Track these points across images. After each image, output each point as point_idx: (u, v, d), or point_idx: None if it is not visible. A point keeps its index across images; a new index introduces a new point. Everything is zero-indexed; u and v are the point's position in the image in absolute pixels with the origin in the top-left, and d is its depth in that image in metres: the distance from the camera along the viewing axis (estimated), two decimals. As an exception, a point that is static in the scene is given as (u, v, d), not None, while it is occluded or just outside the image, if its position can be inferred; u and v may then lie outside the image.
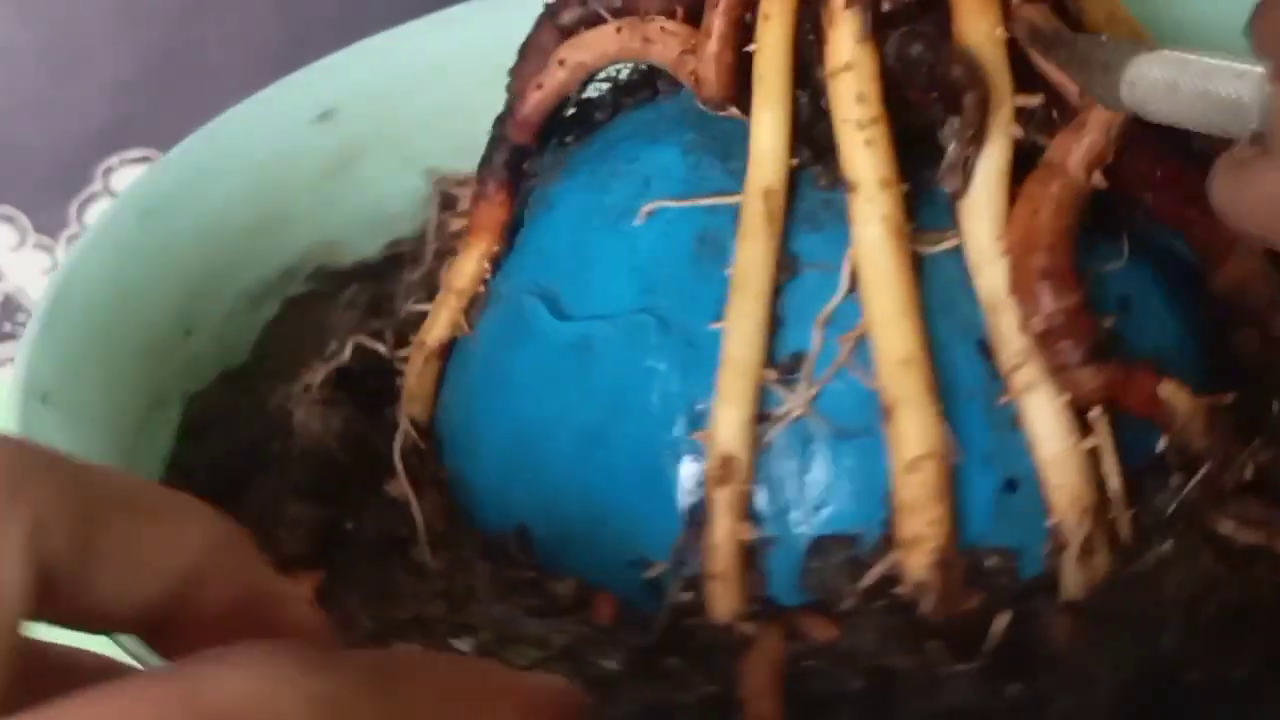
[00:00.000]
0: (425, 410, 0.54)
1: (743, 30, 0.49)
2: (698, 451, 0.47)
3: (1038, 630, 0.46)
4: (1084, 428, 0.46)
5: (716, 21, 0.49)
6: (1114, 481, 0.46)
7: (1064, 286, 0.46)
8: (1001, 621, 0.45)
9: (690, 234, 0.49)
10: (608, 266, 0.50)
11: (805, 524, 0.47)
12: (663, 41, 0.50)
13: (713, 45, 0.49)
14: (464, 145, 0.67)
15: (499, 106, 0.66)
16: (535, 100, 0.52)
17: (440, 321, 0.53)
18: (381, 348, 0.55)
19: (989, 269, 0.47)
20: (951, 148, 0.46)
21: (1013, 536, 0.47)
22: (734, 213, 0.48)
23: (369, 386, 0.57)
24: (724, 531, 0.46)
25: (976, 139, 0.46)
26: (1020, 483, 0.47)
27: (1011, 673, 0.45)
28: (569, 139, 0.55)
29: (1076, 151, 0.47)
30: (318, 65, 0.67)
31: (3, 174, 0.82)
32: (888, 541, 0.46)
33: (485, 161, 0.53)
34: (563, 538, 0.49)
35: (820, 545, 0.47)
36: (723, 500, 0.46)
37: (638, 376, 0.48)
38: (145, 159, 0.79)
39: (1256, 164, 0.39)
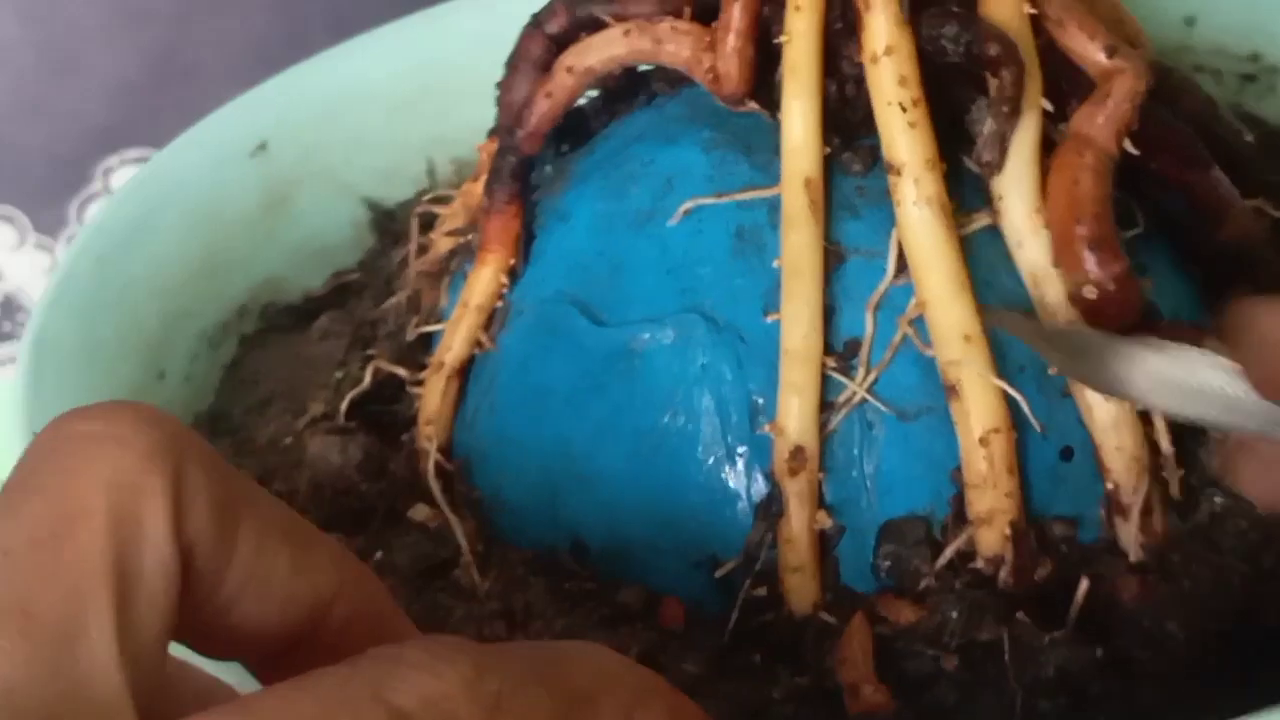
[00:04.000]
0: (444, 432, 0.53)
1: (761, 24, 0.49)
2: (762, 445, 0.47)
3: (1108, 593, 0.47)
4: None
5: (736, 16, 0.49)
6: (1165, 442, 0.47)
7: (1111, 254, 0.46)
8: (1083, 587, 0.46)
9: (727, 230, 0.49)
10: (641, 270, 0.49)
11: (874, 508, 0.47)
12: (674, 41, 0.50)
13: (733, 40, 0.49)
14: (395, 171, 0.67)
15: (427, 129, 0.66)
16: (544, 109, 0.51)
17: (459, 339, 0.52)
18: (403, 372, 0.54)
19: (1030, 242, 0.47)
20: (988, 124, 0.47)
21: (1069, 504, 0.47)
22: (769, 205, 0.48)
23: (372, 414, 0.55)
24: (800, 523, 0.46)
25: (1013, 114, 0.47)
26: (1075, 450, 0.47)
27: (1094, 637, 0.45)
28: (564, 148, 0.55)
29: (1105, 121, 0.47)
30: (247, 97, 0.66)
31: (3, 174, 0.83)
32: (957, 519, 0.47)
33: (494, 174, 0.52)
34: (622, 546, 0.49)
35: (892, 528, 0.47)
36: (796, 491, 0.46)
37: (691, 376, 0.48)
38: (144, 159, 0.78)
39: None
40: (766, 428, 0.46)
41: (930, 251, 0.46)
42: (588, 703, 0.31)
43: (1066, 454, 0.47)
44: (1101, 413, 0.47)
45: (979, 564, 0.46)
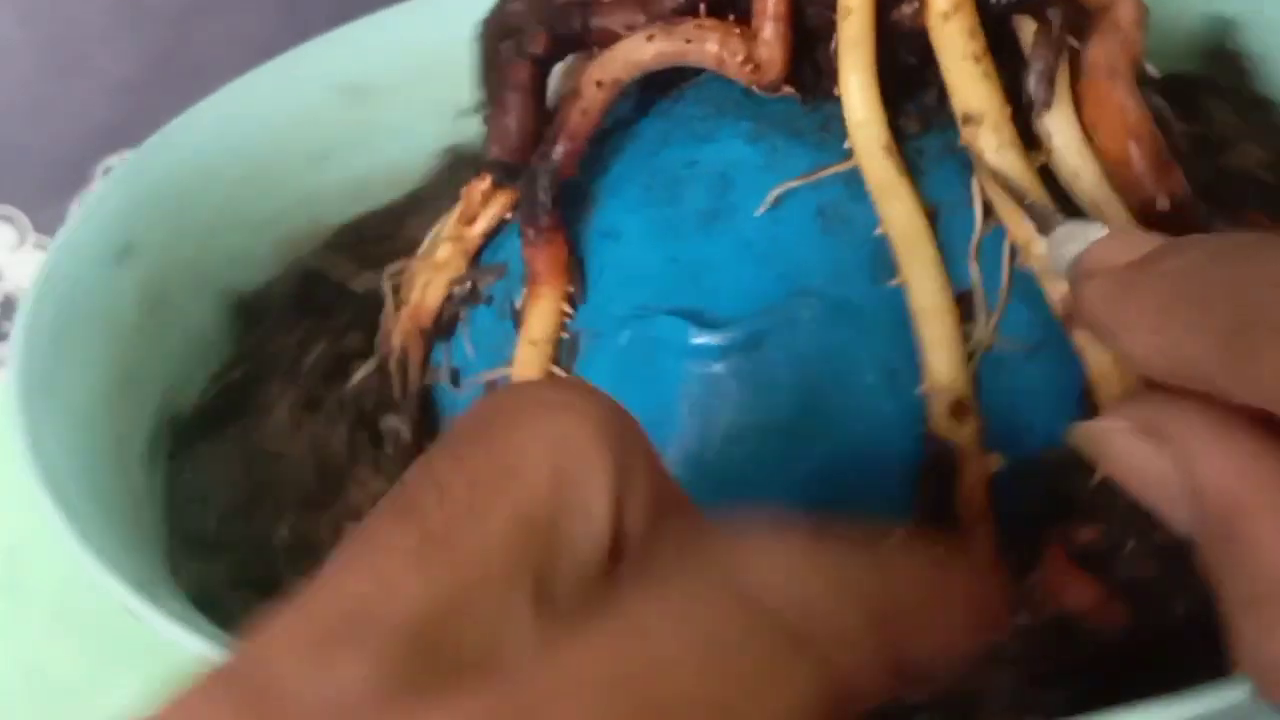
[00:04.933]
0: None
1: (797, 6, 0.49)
2: (906, 409, 0.47)
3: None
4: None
5: (772, 1, 0.49)
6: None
7: (1168, 166, 0.50)
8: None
9: (807, 211, 0.49)
10: (727, 267, 0.49)
11: (1019, 445, 0.48)
12: (702, 39, 0.50)
13: (773, 26, 0.49)
14: (246, 254, 0.64)
15: (271, 207, 0.63)
16: (580, 126, 0.50)
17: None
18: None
19: (1086, 172, 0.49)
20: (1038, 63, 0.49)
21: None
22: (841, 180, 0.49)
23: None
24: (975, 471, 0.47)
25: (1061, 51, 0.49)
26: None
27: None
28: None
29: (1122, 48, 0.50)
30: (102, 193, 0.61)
31: (3, 174, 0.83)
32: (1092, 439, 0.48)
33: (531, 205, 0.50)
34: (781, 542, 0.48)
35: (1043, 460, 0.48)
36: (964, 443, 0.47)
37: (819, 356, 0.48)
38: (144, 159, 0.73)
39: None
40: (923, 388, 0.47)
41: (1024, 192, 0.48)
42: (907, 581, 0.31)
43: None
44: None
45: (1125, 476, 0.48)
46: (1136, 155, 0.49)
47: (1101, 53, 0.51)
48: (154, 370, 0.59)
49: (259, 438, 0.56)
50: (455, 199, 0.66)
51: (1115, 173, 0.49)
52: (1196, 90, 0.65)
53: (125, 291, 0.59)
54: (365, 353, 0.61)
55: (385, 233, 0.68)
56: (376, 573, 0.27)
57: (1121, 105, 0.50)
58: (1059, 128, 0.50)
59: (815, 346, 0.48)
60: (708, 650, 0.26)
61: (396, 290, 0.57)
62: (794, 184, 0.49)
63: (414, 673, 0.26)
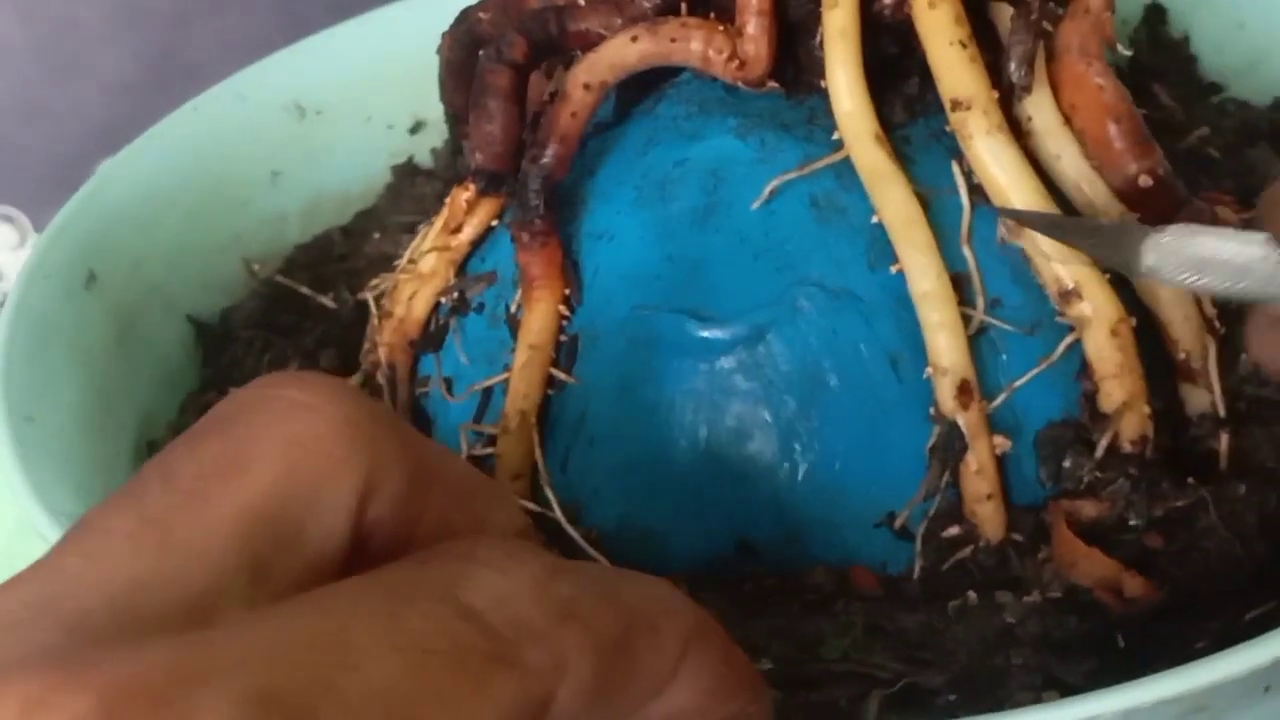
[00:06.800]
0: (528, 482, 0.50)
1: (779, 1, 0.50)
2: (912, 392, 0.48)
3: (1210, 446, 0.51)
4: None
5: (756, -3, 0.49)
6: (1209, 306, 0.52)
7: (1149, 144, 0.50)
8: (1225, 441, 0.49)
9: (801, 203, 0.49)
10: (725, 262, 0.49)
11: (1020, 425, 0.49)
12: (686, 38, 0.50)
13: (758, 21, 0.49)
14: (211, 278, 0.63)
15: (231, 229, 0.62)
16: (570, 129, 0.50)
17: (532, 383, 0.50)
18: (493, 429, 0.51)
19: (1068, 152, 0.50)
20: (1018, 48, 0.50)
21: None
22: (833, 171, 0.49)
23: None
24: (984, 452, 0.47)
25: (1040, 35, 0.50)
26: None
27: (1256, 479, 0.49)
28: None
29: (1093, 30, 0.51)
30: (63, 220, 0.60)
31: (3, 174, 0.84)
32: (1093, 415, 0.49)
33: (525, 210, 0.50)
34: (791, 532, 0.48)
35: (1046, 437, 0.49)
36: (971, 423, 0.47)
37: (823, 346, 0.48)
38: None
39: None
40: (928, 371, 0.47)
41: (1014, 173, 0.49)
42: (650, 625, 0.31)
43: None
44: (1165, 290, 0.50)
45: (1126, 449, 0.49)
46: (1116, 135, 0.50)
47: (1074, 35, 0.51)
48: (128, 396, 0.58)
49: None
50: (411, 214, 0.67)
51: (1096, 153, 0.50)
52: (1144, 76, 0.66)
53: (94, 319, 0.59)
54: (339, 370, 0.60)
55: (345, 251, 0.68)
56: (86, 552, 0.28)
57: (1099, 86, 0.51)
58: (1038, 110, 0.50)
59: (817, 336, 0.48)
60: (403, 648, 0.26)
61: (379, 302, 0.56)
62: (790, 176, 0.49)
63: (104, 636, 0.26)
